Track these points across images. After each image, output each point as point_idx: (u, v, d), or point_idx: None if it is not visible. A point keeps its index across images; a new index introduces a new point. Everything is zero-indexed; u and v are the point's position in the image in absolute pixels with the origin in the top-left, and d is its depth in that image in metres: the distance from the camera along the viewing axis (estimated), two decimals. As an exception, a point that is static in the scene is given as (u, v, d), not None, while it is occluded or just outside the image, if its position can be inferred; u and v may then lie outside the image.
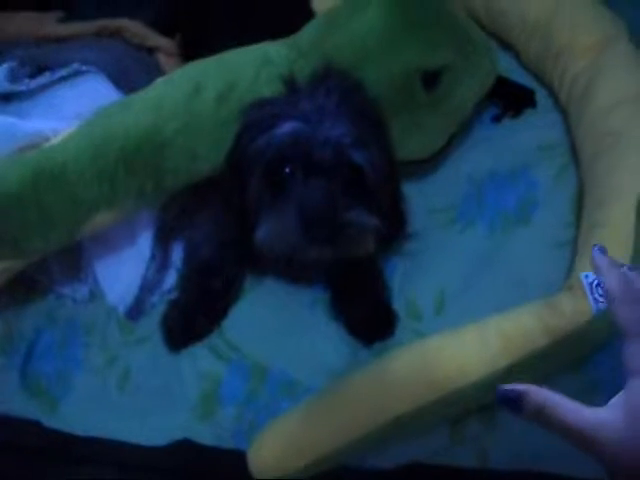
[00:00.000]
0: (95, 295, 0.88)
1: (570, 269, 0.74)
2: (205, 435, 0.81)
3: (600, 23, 0.90)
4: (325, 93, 0.69)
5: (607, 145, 0.80)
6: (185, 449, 0.82)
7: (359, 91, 0.73)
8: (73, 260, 0.89)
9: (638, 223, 0.71)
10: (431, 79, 0.79)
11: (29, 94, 0.88)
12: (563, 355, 0.68)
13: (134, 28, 0.97)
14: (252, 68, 0.77)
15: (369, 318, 0.80)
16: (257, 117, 0.70)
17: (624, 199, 0.73)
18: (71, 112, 0.85)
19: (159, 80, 0.78)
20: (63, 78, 0.89)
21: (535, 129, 0.94)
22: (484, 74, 0.87)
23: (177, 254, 0.88)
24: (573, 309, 0.68)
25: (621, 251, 0.70)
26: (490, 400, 0.71)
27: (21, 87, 0.87)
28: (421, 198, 0.88)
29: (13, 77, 0.87)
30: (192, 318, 0.82)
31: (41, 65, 0.89)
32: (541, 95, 0.98)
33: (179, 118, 0.73)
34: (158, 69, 0.98)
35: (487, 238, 0.85)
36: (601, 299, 0.67)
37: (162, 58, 0.99)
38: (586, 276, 0.68)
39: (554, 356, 0.68)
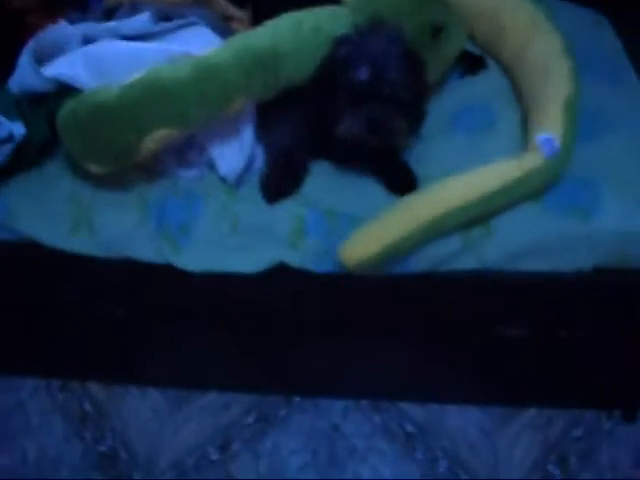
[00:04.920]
0: (203, 173, 1.25)
1: (528, 139, 1.20)
2: (294, 259, 1.19)
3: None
4: (386, 39, 1.14)
5: (540, 76, 1.28)
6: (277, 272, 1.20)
7: (403, 37, 1.17)
8: (182, 154, 1.26)
9: (564, 114, 1.19)
10: (435, 31, 1.26)
11: (159, 35, 1.26)
12: (530, 183, 1.13)
13: (217, 0, 1.37)
14: (328, 17, 1.20)
15: (401, 180, 1.22)
16: (344, 54, 1.13)
17: (554, 102, 1.21)
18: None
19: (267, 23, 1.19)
20: (182, 26, 1.28)
21: (486, 81, 1.43)
22: (461, 37, 1.34)
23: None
24: (532, 156, 1.14)
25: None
26: (489, 213, 1.15)
27: (157, 28, 1.25)
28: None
29: (153, 21, 1.25)
30: (282, 182, 1.21)
31: (166, 17, 1.28)
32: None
33: (290, 41, 1.15)
34: (232, 33, 1.38)
35: (467, 138, 1.29)
36: (547, 151, 1.14)
37: (236, 25, 1.39)
38: (539, 137, 1.15)
39: (525, 183, 1.12)
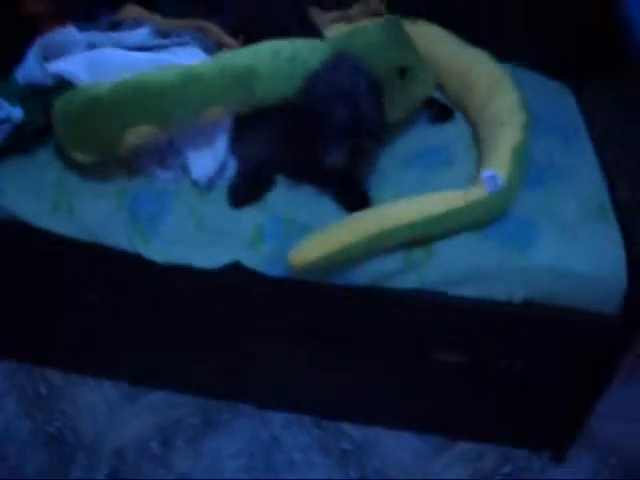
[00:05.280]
0: (178, 176, 1.36)
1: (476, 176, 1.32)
2: (250, 260, 1.29)
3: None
4: (353, 72, 1.27)
5: (497, 127, 1.41)
6: (233, 273, 1.30)
7: (366, 67, 1.31)
8: (162, 157, 1.37)
9: (512, 158, 1.31)
10: (402, 72, 1.39)
11: (155, 49, 1.40)
12: (472, 214, 1.24)
13: (213, 29, 1.51)
14: (305, 49, 1.34)
15: (356, 201, 1.33)
16: (321, 94, 1.26)
17: (504, 147, 1.34)
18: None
19: (250, 46, 1.33)
20: (177, 43, 1.42)
21: (452, 128, 1.56)
22: (427, 81, 1.48)
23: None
24: (477, 190, 1.25)
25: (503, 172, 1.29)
26: (431, 235, 1.25)
27: (154, 42, 1.39)
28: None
29: (151, 36, 1.39)
30: (247, 191, 1.32)
31: (164, 34, 1.43)
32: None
33: (267, 64, 1.28)
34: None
35: (424, 172, 1.41)
36: (491, 187, 1.25)
37: (227, 50, 1.52)
38: (484, 174, 1.27)
39: (467, 213, 1.23)
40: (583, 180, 1.41)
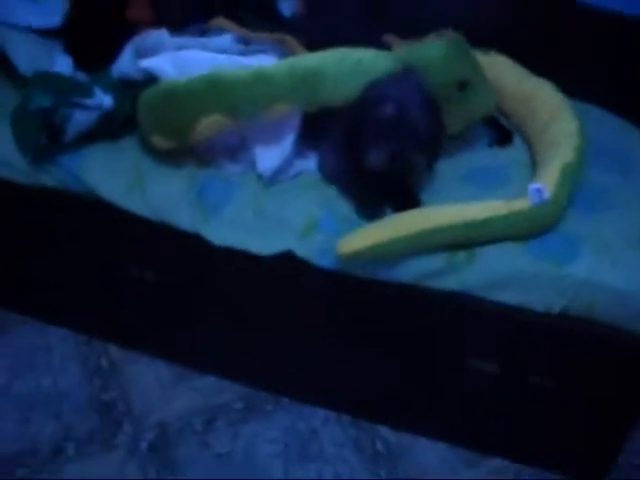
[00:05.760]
0: (245, 170, 1.47)
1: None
2: (302, 250, 1.38)
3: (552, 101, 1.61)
4: (412, 84, 1.36)
5: (553, 150, 1.45)
6: (285, 262, 1.39)
7: (426, 84, 1.39)
8: (232, 152, 1.49)
9: (560, 175, 1.35)
10: (462, 85, 1.46)
11: (236, 54, 1.54)
12: (514, 223, 1.29)
13: (292, 41, 1.63)
14: (371, 56, 1.44)
15: (405, 202, 1.39)
16: (374, 94, 1.35)
17: (555, 165, 1.38)
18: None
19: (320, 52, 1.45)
20: (257, 51, 1.55)
21: (510, 150, 1.61)
22: (487, 96, 1.53)
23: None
24: (522, 201, 1.30)
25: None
26: (473, 239, 1.30)
27: (237, 48, 1.53)
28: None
29: (234, 42, 1.53)
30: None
31: (246, 42, 1.57)
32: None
33: (334, 66, 1.38)
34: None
35: (477, 191, 1.45)
36: (535, 199, 1.29)
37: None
38: (530, 186, 1.31)
39: (509, 222, 1.28)
40: (634, 211, 1.42)
